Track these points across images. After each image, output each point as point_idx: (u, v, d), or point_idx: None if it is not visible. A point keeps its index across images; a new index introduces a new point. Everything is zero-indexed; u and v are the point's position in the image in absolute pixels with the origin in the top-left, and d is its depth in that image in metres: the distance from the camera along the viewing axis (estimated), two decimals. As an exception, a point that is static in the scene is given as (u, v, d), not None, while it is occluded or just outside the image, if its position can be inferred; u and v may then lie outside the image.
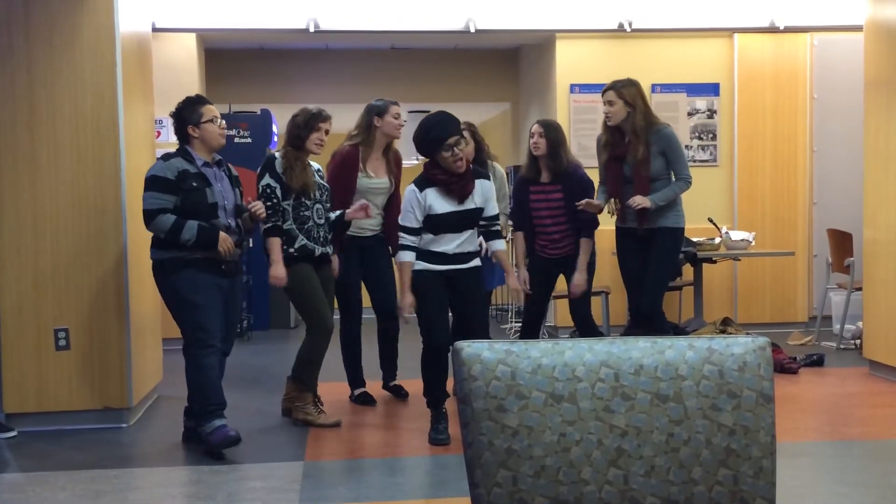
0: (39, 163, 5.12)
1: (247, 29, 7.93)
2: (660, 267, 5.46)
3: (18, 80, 5.10)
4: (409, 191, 4.72)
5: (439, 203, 4.65)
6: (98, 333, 5.20)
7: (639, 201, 5.29)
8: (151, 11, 6.80)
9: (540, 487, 1.82)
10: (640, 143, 5.31)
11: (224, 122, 4.79)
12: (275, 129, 9.16)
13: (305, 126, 5.13)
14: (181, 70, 7.96)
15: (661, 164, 5.38)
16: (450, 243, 4.71)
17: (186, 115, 4.67)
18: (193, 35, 8.00)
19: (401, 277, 4.73)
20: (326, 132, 5.18)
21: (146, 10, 6.12)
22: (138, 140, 5.61)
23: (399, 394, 5.84)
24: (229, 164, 4.91)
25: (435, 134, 4.56)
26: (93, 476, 4.35)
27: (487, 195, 4.77)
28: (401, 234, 4.71)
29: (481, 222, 4.82)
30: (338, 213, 5.32)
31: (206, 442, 4.61)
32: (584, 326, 5.58)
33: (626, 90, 5.36)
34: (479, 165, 5.38)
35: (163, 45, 7.72)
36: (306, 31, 7.81)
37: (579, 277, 5.46)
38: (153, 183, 4.57)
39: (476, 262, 4.83)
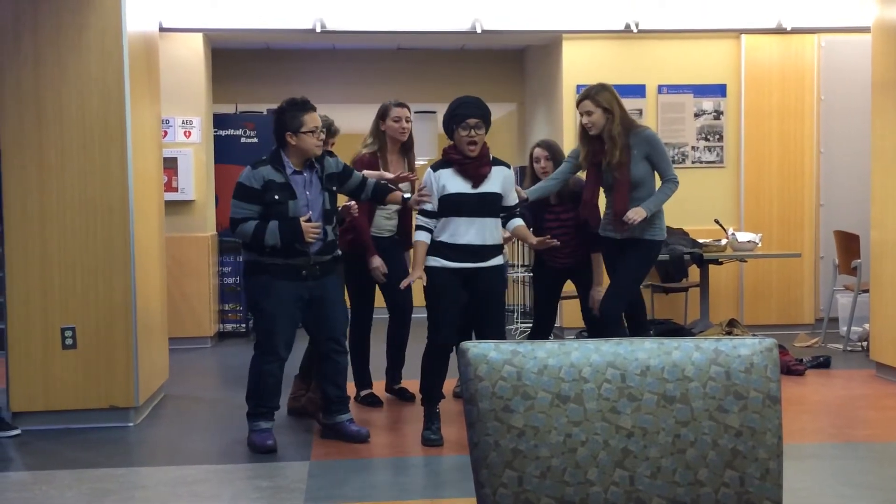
0: (47, 162, 5.13)
1: (253, 29, 7.93)
2: (628, 274, 5.21)
3: (26, 79, 5.11)
4: (426, 173, 4.74)
5: (453, 183, 4.63)
6: (105, 332, 5.21)
7: (632, 216, 5.02)
8: (158, 11, 6.81)
9: (546, 488, 1.82)
10: (616, 148, 5.08)
11: (324, 132, 4.70)
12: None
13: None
14: (188, 70, 7.98)
15: (644, 169, 5.16)
16: (465, 232, 4.62)
17: (287, 119, 4.59)
18: (200, 35, 8.01)
19: (414, 255, 4.74)
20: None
21: (153, 10, 6.13)
22: (145, 140, 5.62)
23: (404, 396, 5.83)
24: (325, 159, 4.73)
25: (461, 111, 4.61)
26: (99, 475, 4.35)
27: (508, 183, 4.73)
28: (417, 215, 4.75)
29: (502, 214, 4.77)
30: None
31: (249, 436, 4.77)
32: (598, 326, 5.51)
33: (601, 96, 5.11)
34: None
35: (170, 44, 7.73)
36: (313, 31, 7.81)
37: (597, 291, 5.42)
38: (239, 191, 4.60)
39: (497, 260, 4.75)
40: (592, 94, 5.14)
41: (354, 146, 5.83)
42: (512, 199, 4.79)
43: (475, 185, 4.62)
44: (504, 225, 4.84)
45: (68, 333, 5.17)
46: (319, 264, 4.68)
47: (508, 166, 4.82)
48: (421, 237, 4.69)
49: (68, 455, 4.72)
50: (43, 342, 5.16)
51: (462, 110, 4.62)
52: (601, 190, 5.33)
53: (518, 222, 4.83)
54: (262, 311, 4.67)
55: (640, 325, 5.53)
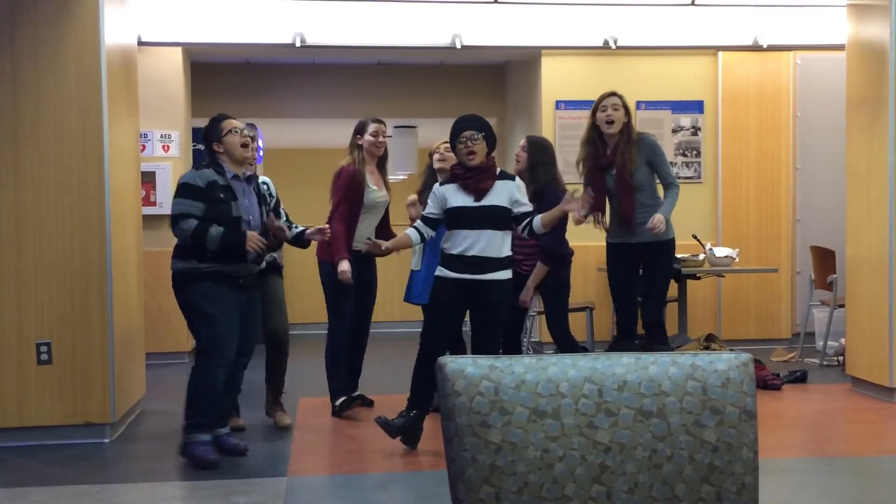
0: (23, 175, 5.09)
1: (233, 43, 7.92)
2: (664, 278, 5.72)
3: (3, 92, 5.07)
4: (433, 188, 4.97)
5: (455, 197, 4.78)
6: (81, 347, 5.16)
7: (656, 223, 5.34)
8: (137, 25, 6.79)
9: (523, 503, 1.82)
10: (631, 144, 5.49)
11: (246, 132, 4.81)
12: (260, 143, 9.15)
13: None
14: (167, 84, 7.94)
15: (646, 173, 5.54)
16: (464, 243, 4.71)
17: (209, 134, 4.75)
18: (179, 49, 7.99)
19: (396, 238, 5.08)
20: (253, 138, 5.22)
21: (132, 24, 6.11)
22: (123, 154, 5.59)
23: (364, 402, 5.87)
24: (265, 183, 5.00)
25: (456, 126, 4.83)
26: (74, 492, 4.31)
27: (514, 195, 4.79)
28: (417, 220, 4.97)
29: (522, 222, 4.79)
30: (300, 229, 5.28)
31: (184, 450, 4.65)
32: (563, 345, 5.61)
33: (624, 99, 5.58)
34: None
35: (149, 58, 7.69)
36: (293, 45, 7.82)
37: (523, 293, 5.54)
38: (183, 190, 4.64)
39: (501, 274, 4.77)
40: (619, 94, 5.60)
41: (334, 160, 5.86)
42: (524, 208, 4.80)
43: (477, 199, 4.74)
44: (532, 229, 4.80)
45: (44, 349, 5.12)
46: (254, 275, 4.80)
47: (514, 178, 4.89)
48: (408, 231, 4.96)
49: (43, 472, 4.67)
50: (18, 357, 5.10)
51: (457, 125, 4.83)
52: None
53: (538, 219, 4.80)
54: (208, 316, 4.63)
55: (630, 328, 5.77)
